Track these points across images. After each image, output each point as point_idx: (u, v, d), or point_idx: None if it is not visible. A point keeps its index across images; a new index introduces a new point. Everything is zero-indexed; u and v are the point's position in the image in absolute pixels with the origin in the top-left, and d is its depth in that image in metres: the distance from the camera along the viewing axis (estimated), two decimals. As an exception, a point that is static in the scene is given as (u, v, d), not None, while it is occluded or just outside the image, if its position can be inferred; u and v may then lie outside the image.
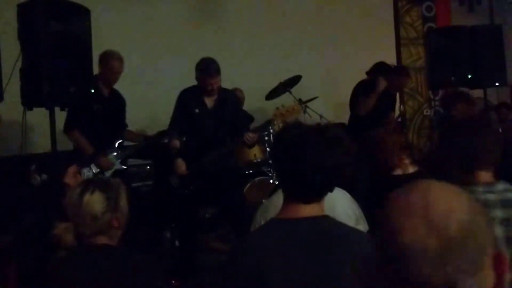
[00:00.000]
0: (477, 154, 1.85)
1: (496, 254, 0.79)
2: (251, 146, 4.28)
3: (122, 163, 4.18)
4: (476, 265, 0.76)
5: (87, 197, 1.86)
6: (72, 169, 2.50)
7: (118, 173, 4.04)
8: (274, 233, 1.53)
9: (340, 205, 2.05)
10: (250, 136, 4.04)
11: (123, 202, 1.93)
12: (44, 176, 3.82)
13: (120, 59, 4.13)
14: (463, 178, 1.85)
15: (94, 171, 4.00)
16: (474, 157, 1.85)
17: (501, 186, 1.82)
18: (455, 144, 1.91)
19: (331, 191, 1.56)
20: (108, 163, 4.07)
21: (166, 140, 4.17)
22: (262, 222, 1.94)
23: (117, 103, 4.30)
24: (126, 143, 4.31)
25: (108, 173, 4.04)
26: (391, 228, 0.78)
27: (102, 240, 1.88)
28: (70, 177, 2.43)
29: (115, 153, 4.14)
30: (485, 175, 1.85)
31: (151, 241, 4.48)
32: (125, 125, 4.42)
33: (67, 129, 4.05)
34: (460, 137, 1.90)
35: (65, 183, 2.50)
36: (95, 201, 1.86)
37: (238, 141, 4.14)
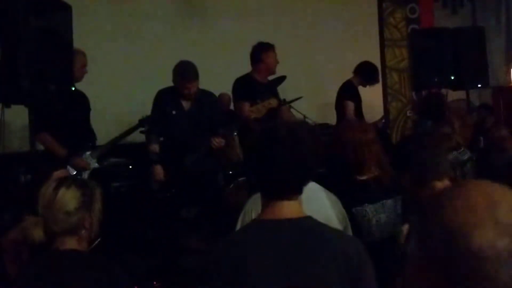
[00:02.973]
0: (427, 167, 1.94)
1: None
2: (220, 150, 4.17)
3: (99, 162, 4.08)
4: None
5: (62, 191, 1.78)
6: (60, 173, 2.44)
7: (96, 172, 3.96)
8: (256, 235, 1.52)
9: (331, 210, 2.05)
10: (216, 140, 3.97)
11: (98, 205, 1.85)
12: (28, 176, 3.75)
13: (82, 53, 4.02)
14: (418, 191, 1.93)
15: (71, 173, 3.90)
16: (425, 170, 1.94)
17: None
18: (406, 160, 2.02)
19: (305, 185, 1.57)
20: (84, 163, 3.97)
21: (142, 129, 4.08)
22: (254, 214, 1.93)
23: (82, 101, 4.17)
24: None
25: (86, 174, 3.95)
26: (457, 229, 0.74)
27: (70, 243, 1.79)
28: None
29: (89, 152, 4.04)
30: (441, 185, 1.91)
31: (132, 242, 4.43)
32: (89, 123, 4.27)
33: (36, 133, 3.90)
34: (410, 153, 2.02)
35: None
36: (70, 196, 1.78)
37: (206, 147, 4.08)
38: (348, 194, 2.31)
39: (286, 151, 1.50)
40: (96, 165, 4.06)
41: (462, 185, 0.81)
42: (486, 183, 0.80)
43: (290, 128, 1.57)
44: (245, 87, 4.40)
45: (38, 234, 1.79)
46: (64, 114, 3.98)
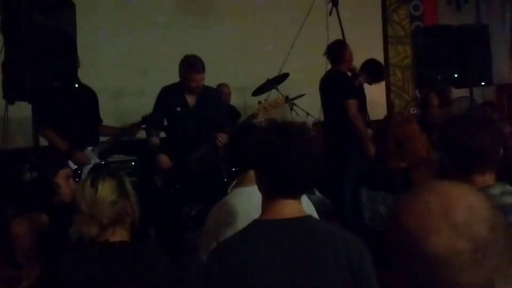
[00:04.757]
0: (474, 156, 1.69)
1: None
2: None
3: (100, 158, 4.09)
4: (507, 264, 0.73)
5: (100, 184, 1.85)
6: (65, 172, 2.52)
7: (97, 167, 3.97)
8: (258, 236, 1.52)
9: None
10: (222, 137, 3.96)
11: (131, 189, 1.95)
12: (35, 174, 3.76)
13: None
14: (460, 180, 1.74)
15: (72, 168, 3.91)
16: (470, 158, 1.69)
17: (497, 189, 1.68)
18: (451, 144, 1.75)
19: (314, 186, 1.58)
20: (85, 158, 3.99)
21: (143, 126, 4.09)
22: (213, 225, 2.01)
23: (87, 97, 4.19)
24: (102, 138, 4.24)
25: (86, 169, 3.96)
26: (413, 235, 0.72)
27: (119, 233, 1.87)
28: (62, 178, 2.41)
29: (90, 148, 4.06)
30: (482, 178, 1.70)
31: (135, 239, 4.44)
32: (100, 120, 4.33)
33: (39, 128, 3.94)
34: (456, 137, 1.72)
35: (54, 183, 2.47)
36: (109, 187, 1.86)
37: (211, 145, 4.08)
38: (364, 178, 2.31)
39: (302, 151, 1.51)
40: (97, 160, 4.07)
41: (420, 188, 0.78)
42: (444, 184, 0.78)
43: (301, 128, 1.60)
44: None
45: (93, 230, 1.84)
46: (68, 110, 4.00)
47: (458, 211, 0.73)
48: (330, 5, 4.70)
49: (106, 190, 1.85)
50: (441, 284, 0.71)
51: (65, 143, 3.94)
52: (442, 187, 0.77)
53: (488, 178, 1.71)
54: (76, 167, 3.92)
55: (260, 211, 1.58)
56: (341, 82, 4.72)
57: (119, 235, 1.88)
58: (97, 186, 1.85)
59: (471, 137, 1.68)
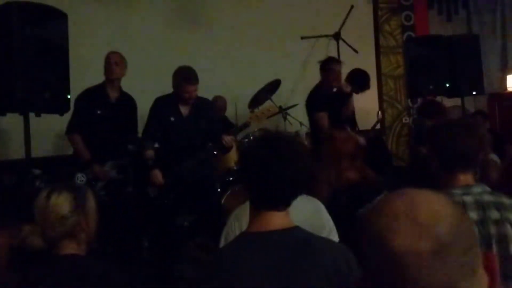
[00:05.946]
0: (457, 157, 1.89)
1: (485, 254, 0.78)
2: (228, 149, 4.21)
3: (120, 172, 4.05)
4: (470, 265, 0.74)
5: (54, 198, 1.81)
6: None
7: (110, 183, 3.94)
8: (246, 248, 1.51)
9: (311, 215, 2.05)
10: (227, 138, 4.00)
11: (92, 205, 1.89)
12: (42, 184, 3.77)
13: (116, 54, 4.04)
14: (445, 178, 1.90)
15: (87, 178, 3.88)
16: (455, 159, 1.89)
17: (478, 188, 1.87)
18: (438, 145, 1.96)
19: (296, 198, 1.57)
20: (103, 173, 3.96)
21: (129, 147, 4.08)
22: (237, 230, 1.93)
23: (125, 107, 4.16)
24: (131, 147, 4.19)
25: (101, 183, 3.93)
26: (379, 235, 0.75)
27: (70, 247, 1.82)
28: None
29: (111, 162, 4.00)
30: (464, 177, 1.89)
31: (129, 250, 4.41)
32: (135, 131, 4.27)
33: (68, 132, 3.98)
34: (444, 139, 1.94)
35: None
36: (63, 201, 1.81)
37: (214, 147, 4.09)
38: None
39: (285, 164, 1.50)
40: (116, 174, 4.03)
41: (397, 191, 0.82)
42: (412, 190, 0.81)
43: (289, 141, 1.58)
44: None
45: (37, 242, 1.81)
46: (100, 119, 3.99)
47: (421, 211, 0.75)
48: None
49: (58, 203, 1.81)
50: (404, 284, 0.72)
51: (87, 153, 3.92)
52: (410, 192, 0.80)
53: (469, 177, 1.89)
54: (84, 180, 3.86)
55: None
56: (311, 94, 4.82)
57: (71, 249, 1.82)
58: (49, 200, 1.81)
59: (454, 140, 1.90)
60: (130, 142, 4.15)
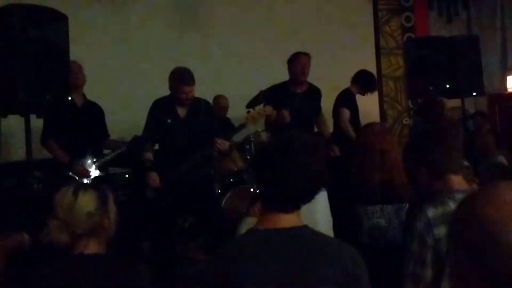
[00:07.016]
0: (443, 160, 1.94)
1: None
2: (224, 152, 4.15)
3: (100, 170, 4.10)
4: None
5: (81, 193, 1.86)
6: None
7: (97, 180, 3.97)
8: (251, 244, 1.52)
9: (321, 207, 2.06)
10: (220, 142, 3.94)
11: (113, 207, 1.94)
12: (39, 186, 3.80)
13: (76, 64, 4.04)
14: (432, 184, 1.94)
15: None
16: (440, 163, 1.94)
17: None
18: (421, 152, 2.01)
19: (311, 199, 1.56)
20: (84, 171, 4.01)
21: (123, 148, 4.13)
22: None
23: (92, 112, 4.24)
24: (106, 151, 4.25)
25: (86, 181, 3.96)
26: (495, 227, 0.75)
27: (93, 246, 1.86)
28: None
29: (89, 161, 4.07)
30: (456, 180, 1.93)
31: (129, 252, 4.41)
32: (106, 134, 4.36)
33: (43, 140, 4.03)
34: (425, 145, 2.00)
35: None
36: (89, 198, 1.86)
37: (211, 148, 4.07)
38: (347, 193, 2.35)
39: (297, 165, 1.49)
40: (97, 173, 4.08)
41: (491, 186, 0.82)
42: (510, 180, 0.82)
43: (304, 141, 1.56)
44: None
45: (64, 238, 1.84)
46: (72, 124, 4.05)
47: None
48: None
49: (85, 200, 1.85)
50: None
51: (66, 155, 3.98)
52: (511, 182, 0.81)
53: (460, 178, 1.94)
54: (77, 179, 3.93)
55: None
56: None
57: (93, 247, 1.86)
58: (77, 196, 1.85)
59: (436, 146, 1.96)
60: (130, 143, 4.17)
